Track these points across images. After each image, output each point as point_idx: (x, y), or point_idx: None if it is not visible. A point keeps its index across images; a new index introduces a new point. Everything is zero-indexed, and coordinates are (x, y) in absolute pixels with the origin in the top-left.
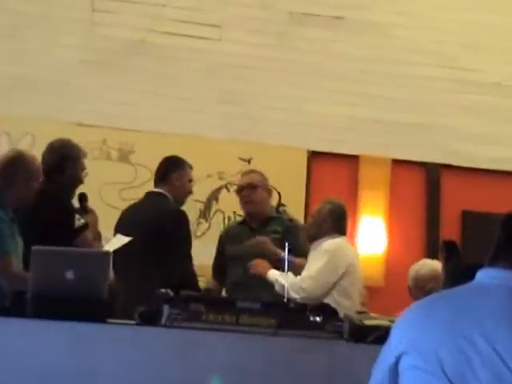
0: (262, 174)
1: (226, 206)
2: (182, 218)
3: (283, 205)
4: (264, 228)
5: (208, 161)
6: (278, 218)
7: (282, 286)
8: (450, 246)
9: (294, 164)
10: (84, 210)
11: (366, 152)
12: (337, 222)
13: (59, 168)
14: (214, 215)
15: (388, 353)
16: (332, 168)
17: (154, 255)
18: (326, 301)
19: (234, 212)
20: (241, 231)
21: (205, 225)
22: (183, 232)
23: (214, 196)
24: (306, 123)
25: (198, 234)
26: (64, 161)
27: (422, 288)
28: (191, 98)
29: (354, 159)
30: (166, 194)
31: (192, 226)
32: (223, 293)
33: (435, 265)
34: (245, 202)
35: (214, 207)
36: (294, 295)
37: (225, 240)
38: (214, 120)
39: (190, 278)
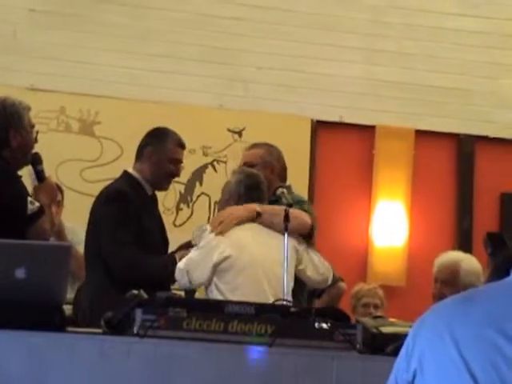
0: (269, 149)
1: (211, 188)
2: (110, 198)
3: (282, 186)
4: None
5: (190, 133)
6: (274, 202)
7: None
8: (495, 238)
9: (295, 136)
10: (38, 176)
11: (383, 121)
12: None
13: (1, 142)
14: (197, 199)
15: (404, 367)
16: (341, 141)
17: (88, 249)
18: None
19: None
20: None
21: (186, 211)
22: (108, 213)
23: (198, 176)
24: (310, 87)
25: (179, 222)
26: (4, 131)
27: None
28: (169, 56)
29: (368, 130)
30: (137, 175)
31: (170, 213)
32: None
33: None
34: None
35: (198, 190)
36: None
37: None
38: (197, 83)
39: (125, 269)
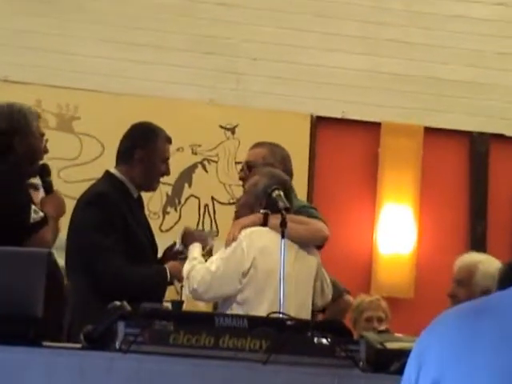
0: (272, 150)
1: (201, 190)
2: (90, 201)
3: (277, 188)
4: None
5: (178, 130)
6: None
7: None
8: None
9: (292, 134)
10: (46, 188)
11: (389, 118)
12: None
13: (6, 147)
14: (185, 202)
15: None
16: (343, 139)
17: (69, 257)
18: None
19: (213, 198)
20: None
21: (174, 215)
22: (88, 218)
23: (186, 177)
24: (309, 80)
25: (165, 226)
26: (10, 136)
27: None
28: (154, 45)
29: (373, 127)
30: (121, 177)
31: (156, 217)
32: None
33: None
34: (243, 186)
35: (186, 192)
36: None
37: None
38: (185, 75)
39: (109, 280)
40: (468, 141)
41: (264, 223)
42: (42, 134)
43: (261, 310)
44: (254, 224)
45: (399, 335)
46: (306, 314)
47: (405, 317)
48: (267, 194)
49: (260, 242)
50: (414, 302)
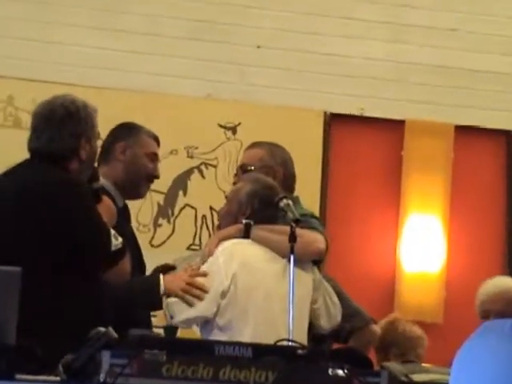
0: (271, 150)
1: (198, 199)
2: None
3: (287, 196)
4: None
5: (172, 129)
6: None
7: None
8: None
9: (303, 134)
10: (95, 195)
11: (414, 115)
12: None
13: (72, 152)
14: (180, 213)
15: None
16: (361, 139)
17: None
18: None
19: (212, 208)
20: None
21: (167, 228)
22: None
23: (181, 183)
24: (322, 71)
25: (157, 241)
26: (77, 140)
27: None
28: (145, 33)
29: (396, 126)
30: (103, 181)
31: (146, 230)
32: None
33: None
34: None
35: (181, 201)
36: None
37: None
38: (181, 67)
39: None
40: (505, 141)
41: (246, 235)
42: (99, 134)
43: (246, 334)
44: (233, 236)
45: (427, 365)
46: (298, 337)
47: (433, 344)
48: (274, 204)
49: (240, 256)
50: (443, 327)
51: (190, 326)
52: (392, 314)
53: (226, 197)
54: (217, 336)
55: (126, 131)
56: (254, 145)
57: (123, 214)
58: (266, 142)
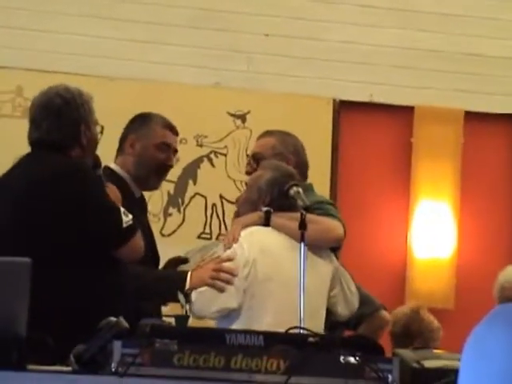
0: (283, 139)
1: (208, 188)
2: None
3: (296, 184)
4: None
5: (180, 119)
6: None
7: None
8: None
9: (313, 121)
10: None
11: (423, 101)
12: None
13: (73, 139)
14: (190, 202)
15: None
16: (371, 126)
17: None
18: None
19: (222, 196)
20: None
21: (177, 217)
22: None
23: (191, 172)
24: (331, 58)
25: (167, 230)
26: (76, 127)
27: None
28: (151, 22)
29: (405, 112)
30: (122, 172)
31: (156, 220)
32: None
33: None
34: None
35: (191, 189)
36: None
37: None
38: (188, 56)
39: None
40: None
41: (266, 222)
42: (97, 123)
43: (265, 322)
44: (254, 223)
45: (438, 352)
46: (315, 326)
47: (444, 330)
48: (284, 192)
49: (261, 243)
50: (454, 313)
51: (223, 315)
52: (413, 301)
53: (246, 184)
54: (235, 324)
55: (138, 123)
56: (266, 133)
57: (140, 205)
58: (277, 131)
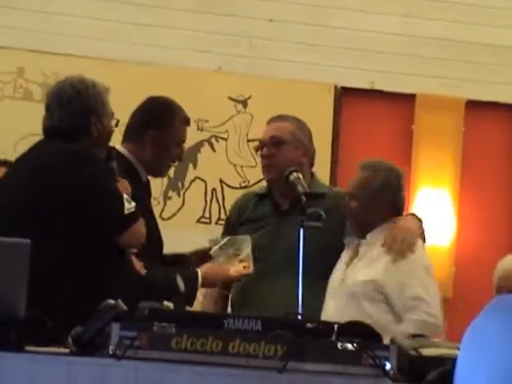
0: (300, 126)
1: (209, 172)
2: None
3: (296, 170)
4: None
5: (182, 102)
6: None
7: None
8: None
9: (314, 107)
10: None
11: (424, 89)
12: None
13: (81, 130)
14: (190, 186)
15: None
16: (372, 113)
17: None
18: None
19: (222, 181)
20: (264, 211)
21: (176, 201)
22: None
23: (191, 156)
24: (333, 45)
25: (167, 214)
26: (86, 117)
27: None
28: (155, 5)
29: (407, 99)
30: (131, 157)
31: (156, 203)
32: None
33: None
34: (264, 166)
35: (191, 173)
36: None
37: (236, 221)
38: (190, 40)
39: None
40: None
41: None
42: (113, 113)
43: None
44: None
45: (437, 340)
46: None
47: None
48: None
49: None
50: (452, 301)
51: None
52: None
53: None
54: None
55: (160, 119)
56: (280, 118)
57: (146, 190)
58: (290, 116)
